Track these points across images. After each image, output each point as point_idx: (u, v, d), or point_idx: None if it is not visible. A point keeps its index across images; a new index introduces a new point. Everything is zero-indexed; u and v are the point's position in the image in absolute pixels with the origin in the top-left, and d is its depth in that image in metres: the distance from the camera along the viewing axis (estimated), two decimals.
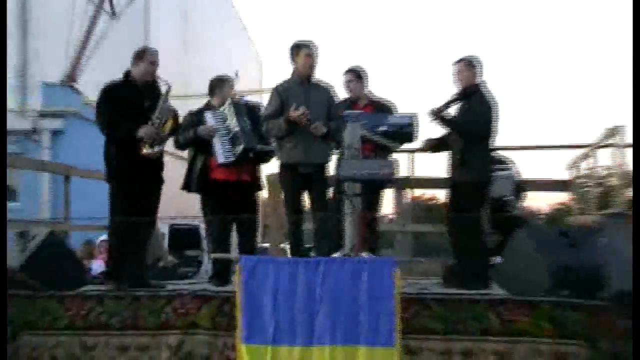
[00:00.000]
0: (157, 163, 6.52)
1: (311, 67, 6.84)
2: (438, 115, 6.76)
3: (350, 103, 7.54)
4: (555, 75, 75.53)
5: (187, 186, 7.21)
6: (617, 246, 5.27)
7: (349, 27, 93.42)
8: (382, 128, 7.10)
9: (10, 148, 15.01)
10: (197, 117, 7.16)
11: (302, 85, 6.82)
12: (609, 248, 5.27)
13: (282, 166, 6.90)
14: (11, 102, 17.27)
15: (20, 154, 15.18)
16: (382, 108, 7.49)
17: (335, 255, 6.64)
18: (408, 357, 5.33)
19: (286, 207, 6.80)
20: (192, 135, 7.07)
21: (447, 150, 6.96)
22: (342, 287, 5.32)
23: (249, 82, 23.39)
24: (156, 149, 6.33)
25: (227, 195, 7.03)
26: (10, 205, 15.43)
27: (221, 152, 7.04)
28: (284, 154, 6.85)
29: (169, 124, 6.47)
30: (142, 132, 6.25)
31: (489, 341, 5.31)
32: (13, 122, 16.49)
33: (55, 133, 16.45)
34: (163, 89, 6.64)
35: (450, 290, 6.10)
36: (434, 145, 7.03)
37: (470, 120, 6.66)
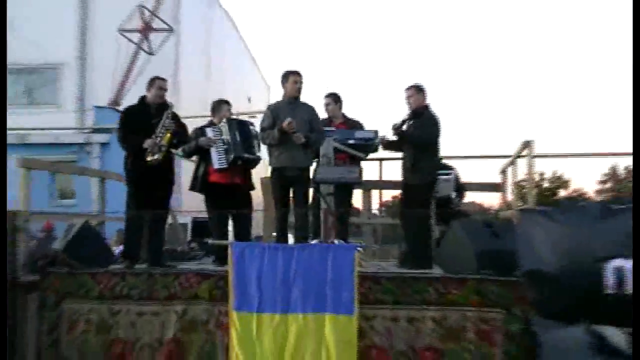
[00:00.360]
0: (166, 168, 6.65)
1: (297, 90, 6.96)
2: (397, 130, 6.94)
3: (329, 121, 7.81)
4: (490, 95, 75.16)
5: (192, 187, 7.37)
6: (529, 235, 5.41)
7: (329, 56, 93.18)
8: (350, 141, 7.34)
9: (69, 157, 15.37)
10: (200, 131, 7.33)
11: (290, 104, 6.96)
12: (523, 236, 5.41)
13: (273, 170, 7.02)
14: (70, 121, 17.67)
15: (75, 161, 15.41)
16: (353, 125, 7.71)
17: (314, 242, 6.85)
18: (365, 322, 5.48)
19: (275, 203, 6.91)
20: (194, 146, 7.26)
21: (398, 151, 7.14)
22: (312, 267, 5.50)
23: (259, 104, 23.48)
24: (156, 156, 6.43)
25: (222, 195, 7.16)
26: (69, 202, 15.79)
27: (216, 160, 7.21)
28: (274, 159, 6.96)
29: (167, 137, 6.56)
30: (146, 144, 6.41)
31: (428, 310, 5.46)
32: (72, 137, 16.89)
33: (103, 145, 16.66)
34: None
35: (399, 270, 6.22)
36: (388, 145, 7.13)
37: (421, 134, 6.80)
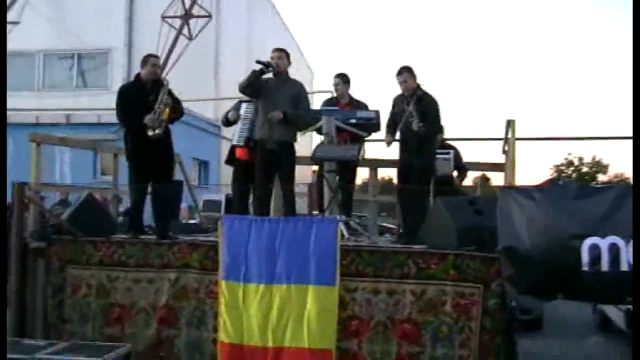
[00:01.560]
0: (166, 143, 6.59)
1: (282, 66, 6.80)
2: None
3: (336, 100, 7.75)
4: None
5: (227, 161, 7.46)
6: (508, 212, 5.28)
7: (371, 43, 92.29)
8: (352, 120, 7.27)
9: (109, 136, 15.63)
10: (238, 105, 7.28)
11: (278, 79, 6.80)
12: (502, 214, 5.29)
13: (255, 142, 6.89)
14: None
15: (114, 140, 15.65)
16: (358, 106, 7.63)
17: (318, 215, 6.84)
18: (346, 293, 5.48)
19: (257, 176, 6.75)
20: (225, 117, 7.27)
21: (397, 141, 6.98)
22: (296, 239, 5.53)
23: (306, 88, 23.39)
24: (157, 131, 6.37)
25: (244, 171, 7.11)
26: (108, 177, 16.10)
27: (237, 136, 7.16)
28: (257, 131, 6.85)
29: (167, 112, 6.46)
30: (147, 119, 6.35)
31: (407, 283, 5.42)
32: (113, 117, 17.15)
33: None
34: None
35: (379, 244, 6.16)
36: (391, 142, 7.00)
37: (429, 122, 6.59)
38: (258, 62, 6.71)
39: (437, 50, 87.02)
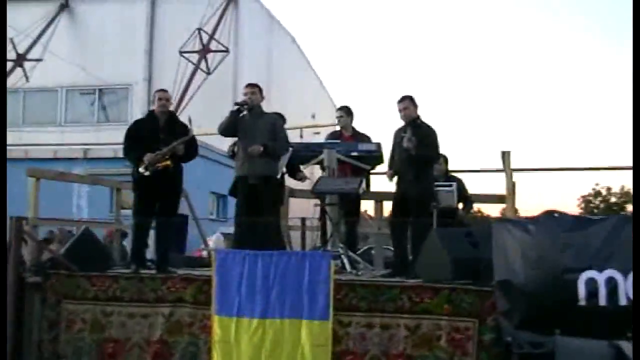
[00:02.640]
0: (174, 178, 6.61)
1: (255, 101, 6.90)
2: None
3: (340, 133, 7.74)
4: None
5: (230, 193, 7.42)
6: (502, 245, 5.20)
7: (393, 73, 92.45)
8: (354, 153, 7.28)
9: (125, 170, 15.77)
10: None
11: (253, 113, 6.89)
12: (497, 246, 5.20)
13: (236, 178, 6.98)
14: None
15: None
16: (361, 138, 7.63)
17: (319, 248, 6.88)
18: (340, 327, 5.40)
19: (236, 213, 6.82)
20: (232, 151, 7.26)
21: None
22: (289, 274, 5.47)
23: (327, 119, 23.51)
24: (147, 172, 6.38)
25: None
26: (126, 212, 16.23)
27: None
28: (237, 168, 6.94)
29: (166, 163, 6.48)
30: (146, 157, 6.39)
31: (401, 317, 5.32)
32: None
33: None
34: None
35: (373, 278, 6.07)
36: (393, 175, 6.96)
37: (424, 148, 6.58)
38: (236, 103, 6.86)
39: (453, 80, 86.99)
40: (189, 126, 6.73)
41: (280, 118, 7.20)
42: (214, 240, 11.11)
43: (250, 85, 7.01)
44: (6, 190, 6.12)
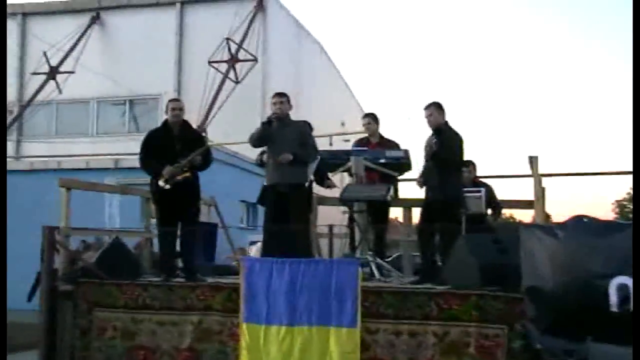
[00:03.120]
0: (193, 187, 6.66)
1: (284, 110, 6.93)
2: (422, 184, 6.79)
3: (367, 140, 7.78)
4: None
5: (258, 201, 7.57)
6: (530, 250, 5.16)
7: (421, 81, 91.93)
8: (381, 160, 7.30)
9: None
10: None
11: (279, 122, 6.92)
12: (525, 252, 5.16)
13: (266, 186, 7.05)
14: None
15: None
16: (388, 145, 7.66)
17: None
18: (368, 335, 5.41)
19: (265, 221, 6.90)
20: (260, 160, 7.36)
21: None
22: (317, 281, 5.50)
23: (355, 127, 23.46)
24: (167, 186, 6.44)
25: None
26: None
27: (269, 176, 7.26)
28: (267, 176, 7.02)
29: (185, 174, 6.53)
30: (165, 170, 6.44)
31: (429, 324, 5.31)
32: None
33: None
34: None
35: (400, 285, 6.07)
36: (422, 183, 6.97)
37: (447, 154, 6.60)
38: (268, 117, 6.91)
39: (483, 85, 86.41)
40: (204, 135, 6.80)
41: (307, 126, 7.24)
42: (254, 251, 11.13)
43: (278, 94, 7.06)
44: (6, 190, 6.19)
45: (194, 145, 6.65)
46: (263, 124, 6.90)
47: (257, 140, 6.97)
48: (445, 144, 6.59)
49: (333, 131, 11.73)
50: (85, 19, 21.00)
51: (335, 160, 7.42)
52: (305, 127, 7.13)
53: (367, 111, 9.66)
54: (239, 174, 16.84)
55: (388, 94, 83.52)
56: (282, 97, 6.99)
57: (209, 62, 18.55)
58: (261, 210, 7.71)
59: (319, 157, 7.15)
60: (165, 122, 6.83)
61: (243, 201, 18.26)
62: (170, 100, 6.93)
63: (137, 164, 8.59)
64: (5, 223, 6.17)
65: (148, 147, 6.67)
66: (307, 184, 7.02)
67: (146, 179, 6.84)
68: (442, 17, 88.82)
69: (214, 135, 15.28)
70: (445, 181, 6.57)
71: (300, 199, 6.83)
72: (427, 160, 6.77)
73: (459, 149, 6.73)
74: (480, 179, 7.98)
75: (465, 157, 7.01)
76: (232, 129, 17.30)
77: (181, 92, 19.42)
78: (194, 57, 19.76)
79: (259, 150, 7.43)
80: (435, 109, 6.73)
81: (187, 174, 6.53)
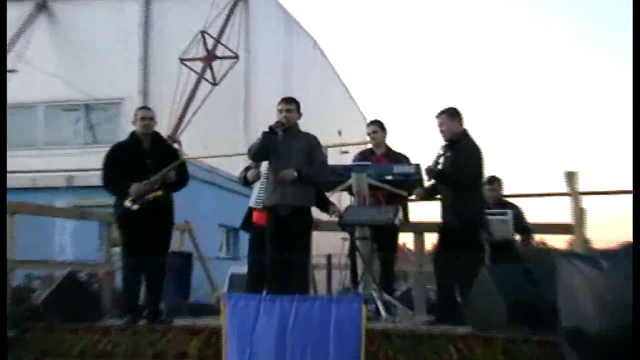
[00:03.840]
0: (166, 209, 6.67)
1: (291, 119, 6.95)
2: (432, 174, 6.84)
3: (371, 152, 7.81)
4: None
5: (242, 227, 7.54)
6: (569, 284, 5.14)
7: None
8: (388, 177, 7.30)
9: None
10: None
11: (285, 132, 6.92)
12: (563, 286, 5.15)
13: (264, 208, 7.02)
14: None
15: None
16: (396, 159, 7.65)
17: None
18: None
19: (251, 247, 7.00)
20: (244, 177, 7.39)
21: (436, 197, 7.01)
22: (313, 322, 5.44)
23: (356, 137, 23.52)
24: (135, 206, 6.42)
25: (261, 239, 7.04)
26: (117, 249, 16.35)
27: (255, 197, 7.29)
28: (266, 196, 6.98)
29: (157, 194, 6.53)
30: (133, 188, 6.42)
31: None
32: None
33: None
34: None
35: (413, 326, 6.08)
36: (424, 196, 7.06)
37: (458, 170, 6.65)
38: (270, 127, 6.85)
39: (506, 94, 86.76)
40: (178, 149, 6.81)
41: (316, 139, 7.19)
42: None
43: (286, 100, 7.06)
44: (6, 190, 6.08)
45: (167, 162, 6.66)
46: (265, 133, 6.87)
47: (257, 152, 6.95)
48: (458, 160, 6.63)
49: (329, 141, 11.76)
50: (29, 6, 20.86)
51: (333, 177, 7.40)
52: (316, 141, 7.12)
53: (368, 118, 9.65)
54: (218, 193, 16.79)
55: (392, 99, 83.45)
56: (290, 104, 7.00)
57: (181, 60, 18.54)
58: (244, 237, 7.73)
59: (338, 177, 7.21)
60: (133, 134, 6.82)
61: (223, 226, 18.27)
62: (139, 109, 6.98)
63: (94, 182, 8.63)
64: (5, 223, 6.15)
65: (112, 163, 6.66)
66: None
67: (106, 200, 6.80)
68: (463, 9, 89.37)
69: (189, 147, 15.26)
70: (462, 201, 6.61)
71: (303, 225, 6.87)
72: (429, 179, 6.89)
73: (476, 164, 6.76)
74: (507, 199, 8.00)
75: (488, 173, 7.07)
76: (209, 140, 17.37)
77: (148, 96, 19.44)
78: (163, 54, 19.76)
79: (243, 164, 7.43)
80: (447, 117, 6.77)
81: (159, 193, 6.54)
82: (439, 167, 6.79)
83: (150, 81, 20.01)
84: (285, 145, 6.90)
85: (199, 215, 11.44)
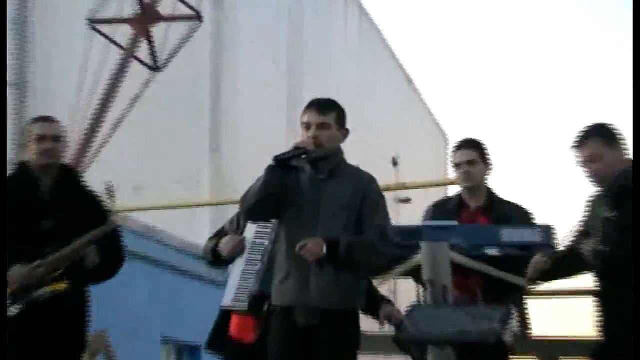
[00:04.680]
0: (74, 314, 5.01)
1: (326, 142, 4.74)
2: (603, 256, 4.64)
3: (459, 203, 5.52)
4: None
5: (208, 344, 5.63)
6: None
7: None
8: (492, 250, 4.90)
9: None
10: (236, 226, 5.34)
11: (318, 168, 4.72)
12: None
13: (273, 311, 4.97)
14: None
15: None
16: (507, 215, 5.37)
17: None
18: None
19: None
20: (211, 249, 5.28)
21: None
22: None
23: (426, 169, 18.70)
24: (14, 309, 4.79)
25: None
26: None
27: (233, 289, 5.28)
28: (274, 291, 4.89)
29: (59, 285, 4.84)
30: (13, 274, 4.80)
31: None
32: None
33: None
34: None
35: None
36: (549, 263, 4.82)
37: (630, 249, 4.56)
38: (277, 158, 4.74)
39: None
40: (105, 201, 5.14)
41: (374, 182, 5.04)
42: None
43: (317, 105, 4.77)
44: (6, 190, 4.93)
45: (83, 223, 4.92)
46: (273, 168, 4.69)
47: (257, 204, 4.76)
48: (625, 227, 4.52)
49: (378, 178, 7.69)
50: None
51: (391, 249, 5.00)
52: (371, 185, 4.93)
53: (449, 133, 6.78)
54: (163, 279, 12.10)
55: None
56: (323, 113, 4.69)
57: (90, 22, 12.11)
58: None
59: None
60: (23, 167, 5.09)
61: (167, 340, 13.15)
62: (35, 120, 5.17)
63: None
64: (6, 224, 4.84)
65: None
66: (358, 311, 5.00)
67: None
68: None
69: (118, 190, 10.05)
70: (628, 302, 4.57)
71: (342, 344, 4.76)
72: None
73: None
74: None
75: None
76: (146, 174, 12.25)
77: (26, 89, 12.17)
78: (55, 15, 12.66)
79: (210, 230, 6.36)
80: (603, 145, 4.73)
81: (61, 285, 4.99)
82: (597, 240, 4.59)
83: (29, 64, 12.17)
84: (312, 192, 4.76)
85: (128, 322, 8.80)
